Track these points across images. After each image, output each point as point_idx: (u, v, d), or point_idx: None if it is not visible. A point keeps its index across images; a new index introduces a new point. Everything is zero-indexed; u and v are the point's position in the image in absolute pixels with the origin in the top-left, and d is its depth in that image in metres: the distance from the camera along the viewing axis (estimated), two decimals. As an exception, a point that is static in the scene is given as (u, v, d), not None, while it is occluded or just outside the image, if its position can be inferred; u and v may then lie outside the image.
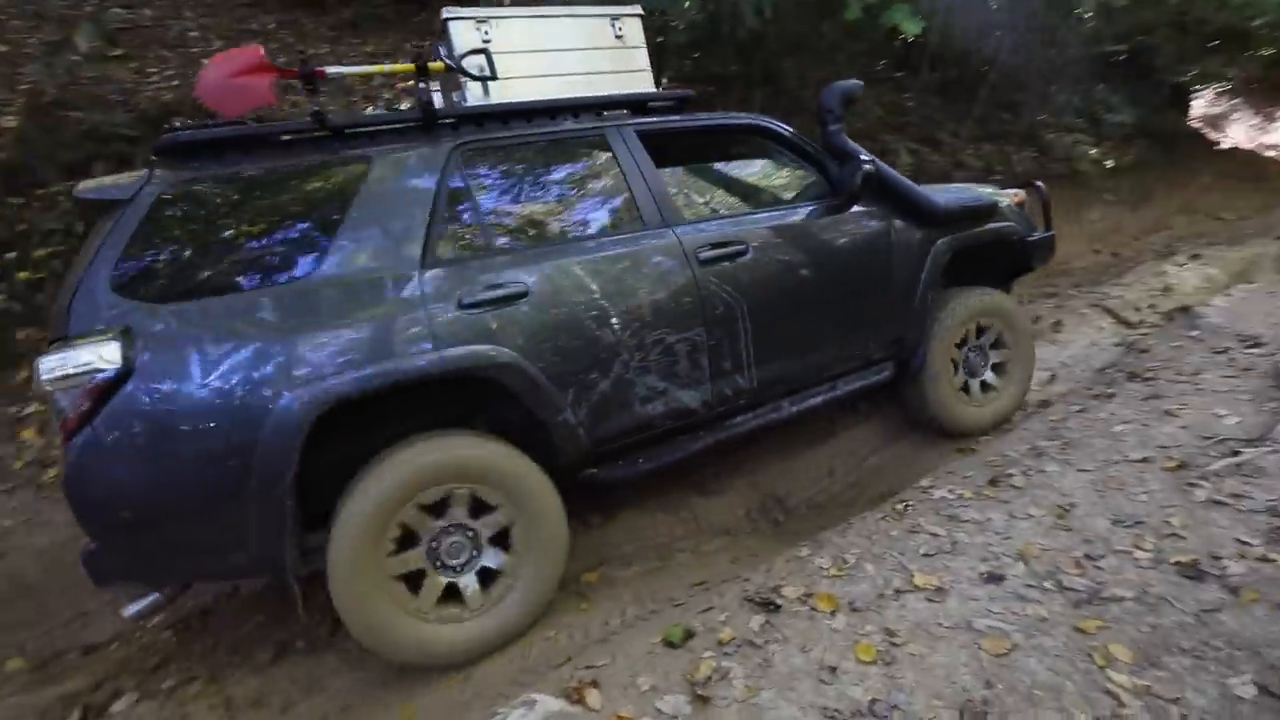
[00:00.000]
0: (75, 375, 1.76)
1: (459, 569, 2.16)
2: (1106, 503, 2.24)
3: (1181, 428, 2.62)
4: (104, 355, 1.77)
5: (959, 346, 3.20)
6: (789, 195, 3.01)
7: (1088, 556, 1.98)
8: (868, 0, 4.71)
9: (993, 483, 2.53)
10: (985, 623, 1.78)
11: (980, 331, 3.26)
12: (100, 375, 1.77)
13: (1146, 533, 2.04)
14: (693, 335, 2.46)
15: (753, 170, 3.12)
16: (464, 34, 2.45)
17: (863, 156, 2.73)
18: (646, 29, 2.86)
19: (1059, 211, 3.82)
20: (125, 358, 1.78)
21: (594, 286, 2.30)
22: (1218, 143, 12.39)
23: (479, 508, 2.17)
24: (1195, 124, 12.61)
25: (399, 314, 2.04)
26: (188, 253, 2.04)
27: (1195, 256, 6.88)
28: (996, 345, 3.33)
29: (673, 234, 2.51)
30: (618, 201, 2.55)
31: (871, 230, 2.91)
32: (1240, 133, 13.59)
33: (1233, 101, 14.11)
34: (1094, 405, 3.04)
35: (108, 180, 2.04)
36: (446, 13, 2.46)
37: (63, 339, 1.83)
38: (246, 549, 1.97)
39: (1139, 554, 1.95)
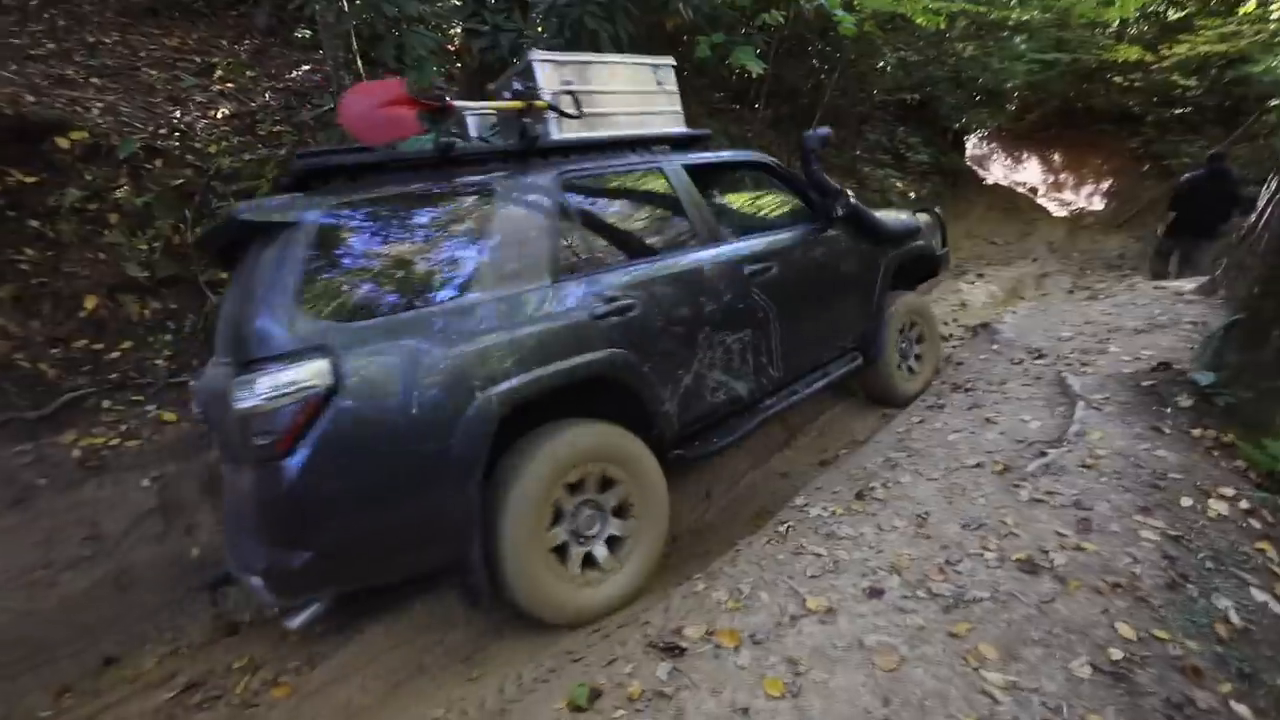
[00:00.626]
0: (288, 395, 1.84)
1: (592, 539, 2.52)
2: (954, 508, 2.52)
3: (1000, 434, 3.04)
4: (315, 373, 1.87)
5: (899, 335, 3.96)
6: (786, 218, 3.48)
7: (948, 562, 2.20)
8: (715, 40, 4.98)
9: (859, 496, 2.75)
10: (874, 638, 1.90)
11: (911, 325, 4.06)
12: (313, 392, 1.86)
13: (990, 534, 2.31)
14: (743, 336, 2.97)
15: (757, 197, 3.61)
16: (549, 75, 2.79)
17: (840, 189, 3.43)
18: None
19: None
20: (335, 374, 1.90)
21: (679, 297, 2.74)
22: (984, 179, 14.89)
23: (605, 484, 2.53)
24: (969, 162, 15.07)
25: (548, 323, 2.35)
26: (358, 273, 2.17)
27: (980, 275, 8.13)
28: (919, 338, 4.14)
29: (725, 251, 2.99)
30: (677, 223, 2.99)
31: (846, 247, 3.56)
32: (999, 171, 16.49)
33: (991, 145, 17.12)
34: (930, 416, 3.43)
35: (269, 203, 2.11)
36: (533, 55, 2.83)
37: (256, 361, 1.88)
38: (442, 542, 2.16)
39: (987, 555, 2.20)
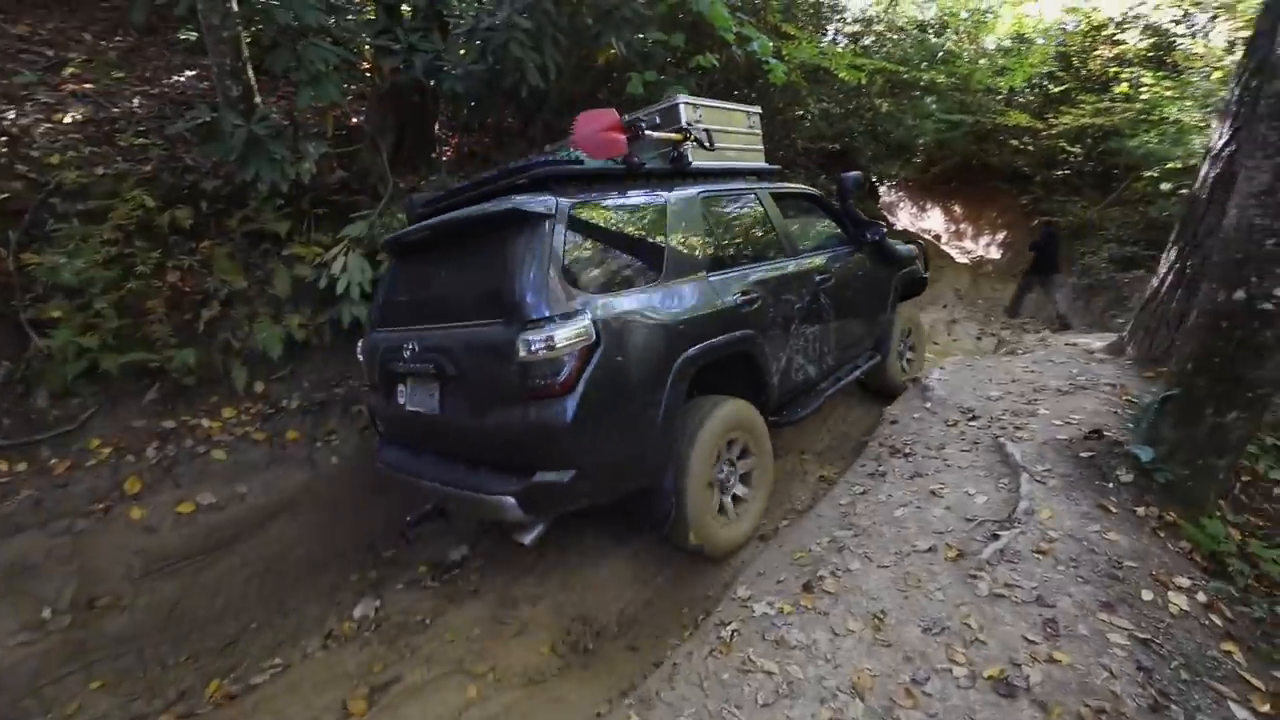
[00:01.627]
0: (569, 346, 2.32)
1: (727, 492, 3.10)
2: (911, 605, 2.28)
3: (947, 509, 2.87)
4: (585, 330, 2.37)
5: (901, 338, 4.83)
6: (831, 240, 4.22)
7: (914, 681, 1.93)
8: (647, 78, 4.78)
9: (807, 588, 2.46)
10: (843, 797, 1.58)
11: (908, 332, 4.97)
12: (585, 344, 2.37)
13: (955, 640, 2.08)
14: (814, 329, 3.69)
15: (810, 222, 4.23)
16: (689, 112, 3.40)
17: (873, 221, 4.41)
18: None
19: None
20: (597, 331, 2.40)
21: (782, 295, 3.42)
22: (894, 224, 15.69)
23: (742, 452, 3.17)
24: (881, 209, 15.84)
25: (714, 307, 2.93)
26: (595, 256, 2.67)
27: (900, 323, 8.25)
28: (912, 344, 5.05)
29: (804, 262, 3.73)
30: (770, 238, 3.66)
31: (872, 267, 4.39)
32: (905, 218, 17.48)
33: (899, 194, 18.17)
34: (872, 486, 3.24)
35: (532, 200, 2.53)
36: (678, 98, 3.44)
37: (534, 321, 2.33)
38: (649, 471, 2.68)
39: (956, 670, 1.96)
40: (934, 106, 10.18)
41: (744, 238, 3.50)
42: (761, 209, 3.67)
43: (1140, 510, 2.65)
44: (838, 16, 11.02)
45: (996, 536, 2.57)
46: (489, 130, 6.45)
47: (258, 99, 4.23)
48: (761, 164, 3.98)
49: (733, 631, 2.26)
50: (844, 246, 4.19)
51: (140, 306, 3.57)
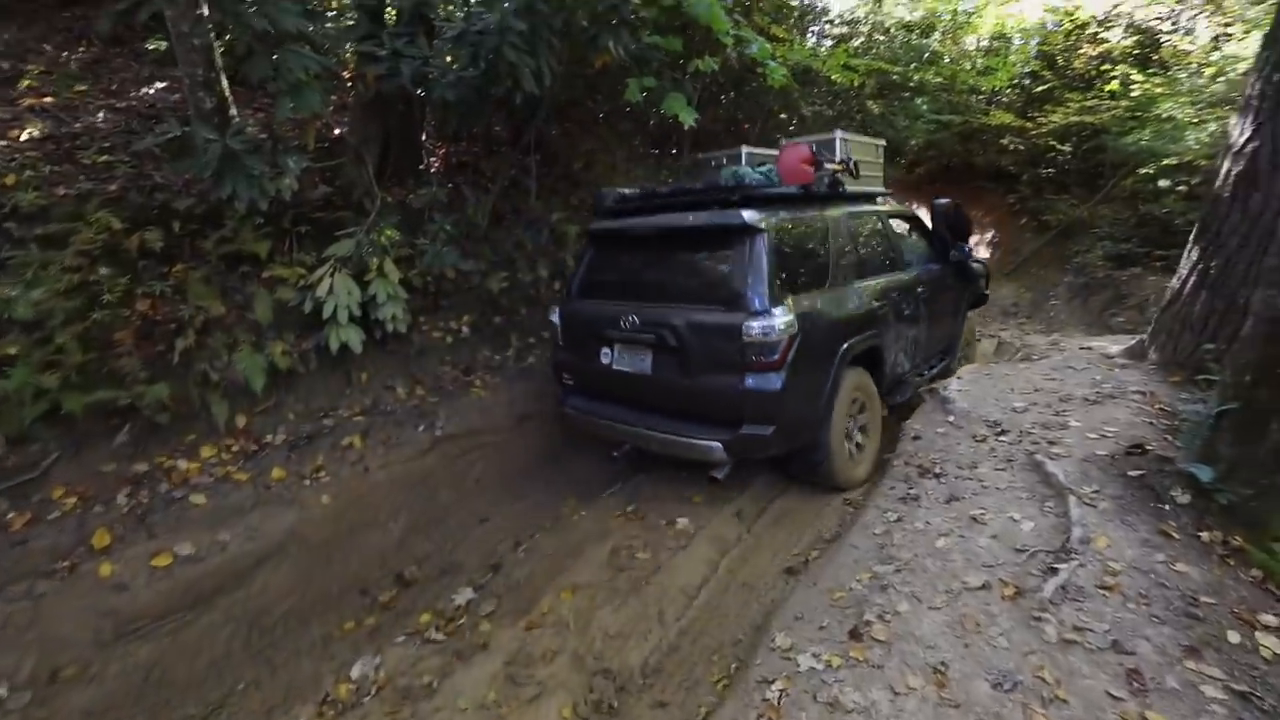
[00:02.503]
0: (784, 332, 3.13)
1: (851, 439, 3.84)
2: (974, 655, 2.06)
3: (993, 537, 2.67)
4: (792, 322, 3.17)
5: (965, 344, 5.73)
6: (923, 255, 4.95)
7: (996, 751, 1.72)
8: (646, 84, 4.57)
9: (854, 635, 2.24)
10: None
11: (968, 342, 5.86)
12: (793, 332, 3.17)
13: (1031, 699, 1.87)
14: (912, 330, 4.42)
15: (911, 239, 5.01)
16: (843, 145, 4.85)
17: (956, 241, 5.13)
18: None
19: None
20: (798, 323, 3.22)
21: (898, 301, 4.20)
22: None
23: (860, 409, 3.90)
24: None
25: (861, 308, 3.79)
26: (790, 262, 3.42)
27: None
28: (968, 344, 5.87)
29: (910, 274, 4.48)
30: (887, 252, 4.39)
31: (952, 280, 5.11)
32: (893, 219, 17.43)
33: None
34: (905, 511, 3.03)
35: (751, 214, 3.27)
36: (837, 133, 5.03)
37: (754, 312, 3.14)
38: (814, 429, 3.49)
39: (1040, 737, 1.75)
40: (924, 107, 10.09)
41: (872, 251, 4.22)
42: (883, 227, 4.46)
43: (1204, 535, 2.47)
44: (824, 19, 10.94)
45: (1054, 570, 2.37)
46: (478, 139, 6.19)
47: (233, 111, 3.94)
48: (882, 189, 5.08)
49: (780, 692, 2.03)
50: (935, 263, 4.93)
51: (107, 339, 3.27)
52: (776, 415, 3.15)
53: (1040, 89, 12.83)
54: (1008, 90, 14.48)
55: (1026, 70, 14.03)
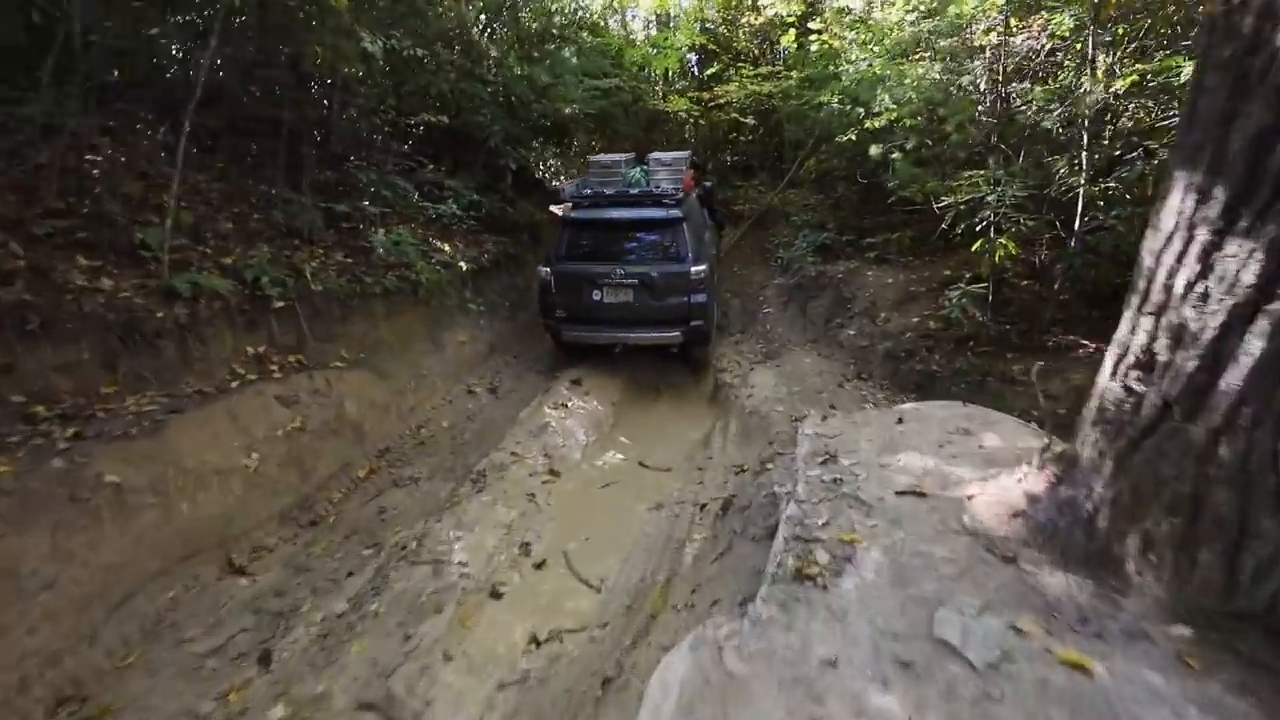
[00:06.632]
0: (702, 272, 5.31)
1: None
2: None
3: None
4: (706, 268, 5.52)
5: None
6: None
7: None
8: None
9: None
10: None
11: None
12: (706, 273, 5.47)
13: None
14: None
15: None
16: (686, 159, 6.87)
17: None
18: None
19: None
20: (708, 268, 5.72)
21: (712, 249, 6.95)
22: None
23: None
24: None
25: (713, 253, 6.95)
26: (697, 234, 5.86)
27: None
28: None
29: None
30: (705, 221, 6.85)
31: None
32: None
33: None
34: None
35: (673, 211, 5.44)
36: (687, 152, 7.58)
37: (694, 262, 5.33)
38: (712, 321, 6.08)
39: None
40: (575, 62, 7.34)
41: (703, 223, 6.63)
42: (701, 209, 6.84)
43: None
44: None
45: None
46: None
47: None
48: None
49: None
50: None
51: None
52: (705, 315, 5.28)
53: (712, 70, 11.40)
54: (676, 74, 13.01)
55: (695, 53, 12.66)
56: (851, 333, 5.96)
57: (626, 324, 5.30)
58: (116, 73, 4.69)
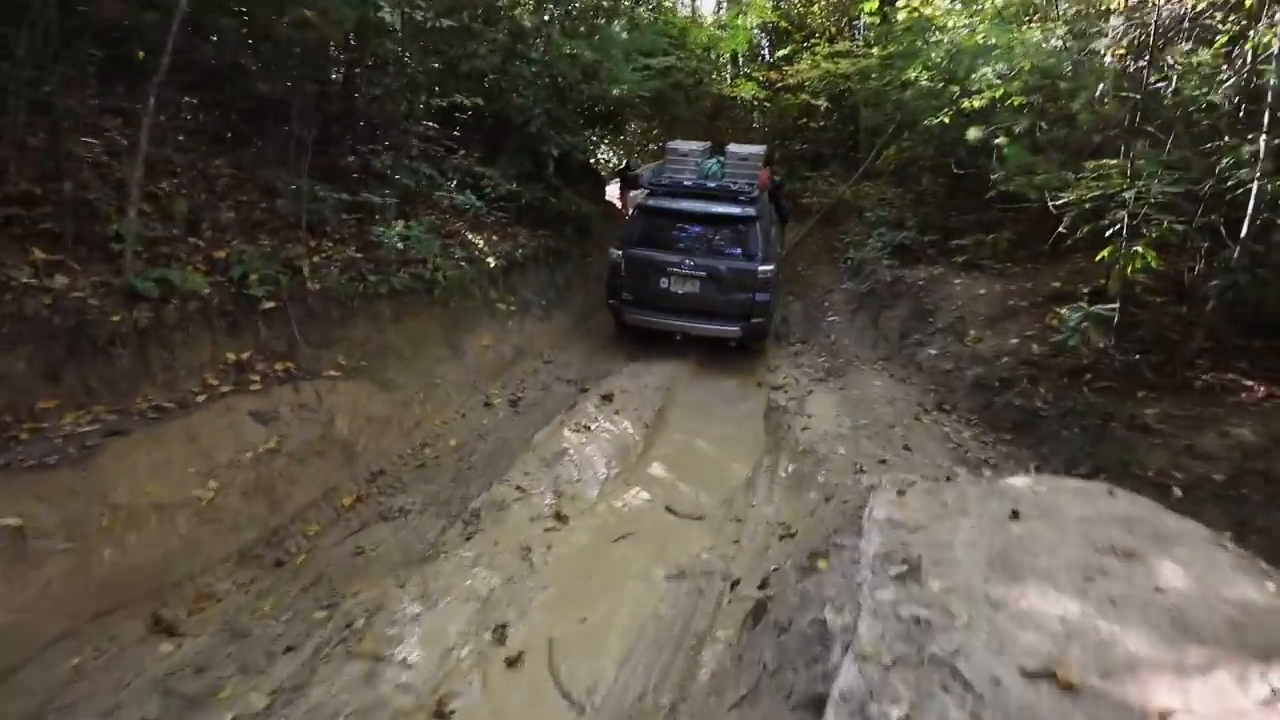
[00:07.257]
0: (769, 272, 5.38)
1: None
2: None
3: None
4: (774, 268, 5.71)
5: None
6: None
7: None
8: None
9: None
10: None
11: None
12: (772, 273, 5.59)
13: None
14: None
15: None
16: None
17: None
18: None
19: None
20: (775, 268, 5.95)
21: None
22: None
23: None
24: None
25: (779, 254, 7.19)
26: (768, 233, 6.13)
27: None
28: None
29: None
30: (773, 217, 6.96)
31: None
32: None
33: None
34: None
35: (748, 209, 5.56)
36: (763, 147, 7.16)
37: (761, 261, 5.42)
38: (772, 319, 6.07)
39: None
40: (625, 37, 6.63)
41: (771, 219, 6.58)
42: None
43: None
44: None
45: None
46: None
47: None
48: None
49: None
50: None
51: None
52: (766, 313, 5.32)
53: (783, 51, 10.45)
54: (746, 56, 12.11)
55: (766, 34, 11.72)
56: (932, 352, 5.05)
57: (689, 314, 5.39)
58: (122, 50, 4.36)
